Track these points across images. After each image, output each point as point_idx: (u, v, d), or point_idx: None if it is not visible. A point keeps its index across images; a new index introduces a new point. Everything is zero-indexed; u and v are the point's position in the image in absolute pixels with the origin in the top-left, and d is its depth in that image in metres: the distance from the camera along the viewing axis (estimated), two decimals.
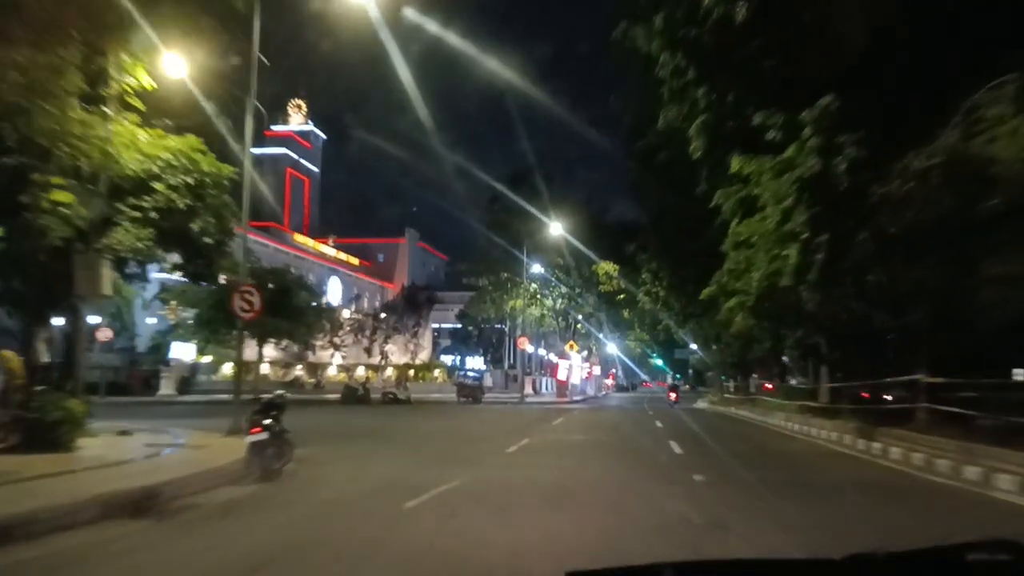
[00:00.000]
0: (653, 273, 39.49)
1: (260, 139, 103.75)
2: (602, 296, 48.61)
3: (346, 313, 49.39)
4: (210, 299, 32.02)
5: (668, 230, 31.64)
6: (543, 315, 47.25)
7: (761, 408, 28.61)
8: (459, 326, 73.12)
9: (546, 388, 55.15)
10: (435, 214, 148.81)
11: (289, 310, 32.54)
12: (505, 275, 45.81)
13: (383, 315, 47.47)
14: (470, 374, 38.35)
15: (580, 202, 44.63)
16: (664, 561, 1.87)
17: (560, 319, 50.40)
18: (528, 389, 45.38)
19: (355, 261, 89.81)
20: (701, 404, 42.64)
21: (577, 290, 47.76)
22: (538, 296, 47.75)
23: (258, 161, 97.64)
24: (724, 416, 30.85)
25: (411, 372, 44.97)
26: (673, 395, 41.69)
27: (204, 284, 33.74)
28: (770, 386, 33.52)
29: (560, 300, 48.61)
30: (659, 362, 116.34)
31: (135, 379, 34.75)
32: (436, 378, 46.36)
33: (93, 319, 37.91)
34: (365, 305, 52.46)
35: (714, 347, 41.79)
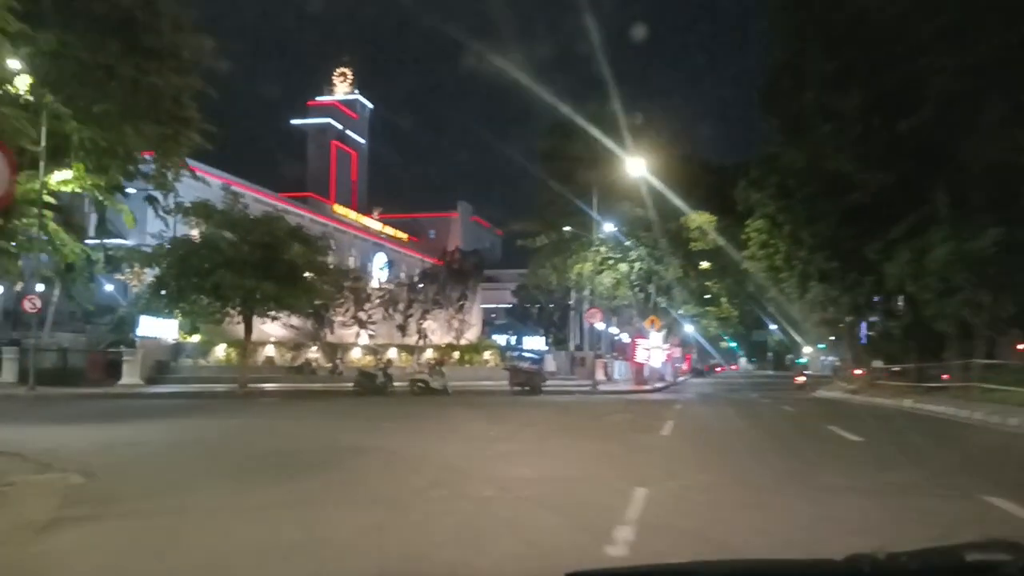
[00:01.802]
0: (770, 219, 29.82)
1: (303, 109, 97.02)
2: (691, 257, 38.97)
3: (374, 282, 40.88)
4: (169, 254, 23.77)
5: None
6: (618, 282, 37.82)
7: (985, 402, 18.87)
8: (514, 304, 64.37)
9: (618, 373, 45.92)
10: (490, 187, 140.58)
11: (280, 270, 24.09)
12: (568, 229, 36.63)
13: (420, 285, 38.71)
14: (526, 355, 29.51)
15: (669, 136, 34.90)
16: (664, 562, 2.05)
17: (637, 289, 40.93)
18: (599, 374, 36.36)
19: (403, 236, 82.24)
20: (832, 393, 32.75)
21: (658, 252, 38.20)
22: (610, 260, 38.35)
23: (301, 131, 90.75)
24: (948, 421, 19.67)
25: (454, 354, 36.15)
26: (801, 379, 32.67)
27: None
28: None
29: (638, 264, 39.08)
30: (732, 344, 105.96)
31: (95, 364, 26.92)
32: (486, 361, 37.54)
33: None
34: (403, 276, 43.75)
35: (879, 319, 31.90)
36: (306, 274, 25.79)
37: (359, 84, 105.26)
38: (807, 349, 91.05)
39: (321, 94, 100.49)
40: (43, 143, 22.53)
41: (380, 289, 38.89)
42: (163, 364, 28.63)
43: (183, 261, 23.70)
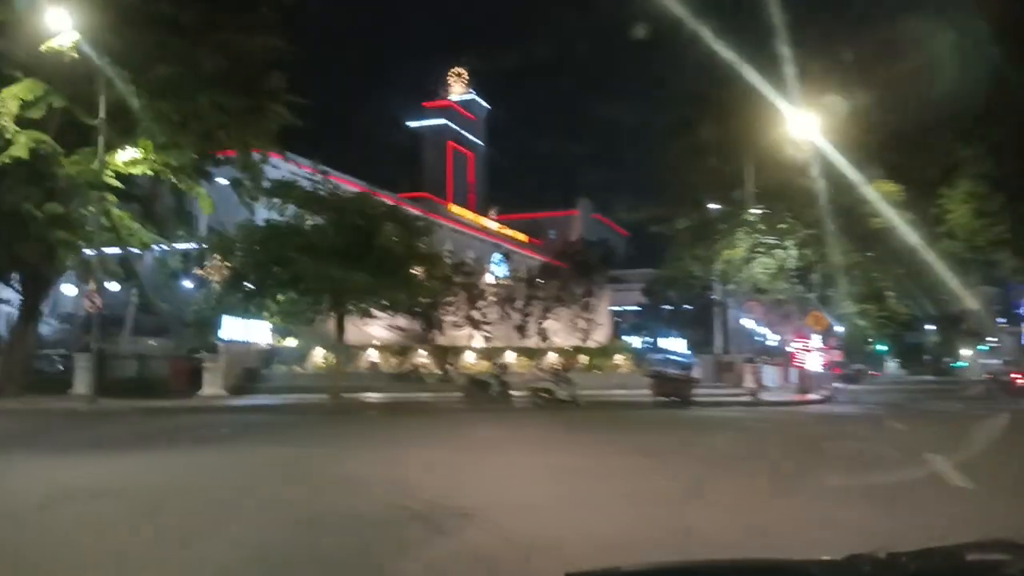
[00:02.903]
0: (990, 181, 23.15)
1: (419, 110, 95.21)
2: (866, 241, 32.21)
3: (489, 278, 36.39)
4: (247, 240, 20.03)
5: None
6: (779, 270, 31.53)
7: None
8: (643, 306, 58.53)
9: (769, 379, 39.35)
10: (613, 184, 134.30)
11: (375, 260, 19.90)
12: (716, 206, 30.79)
13: (540, 280, 33.91)
14: (672, 359, 24.19)
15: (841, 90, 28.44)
16: (663, 562, 2.02)
17: (796, 280, 34.47)
18: (750, 381, 30.51)
19: (523, 237, 78.49)
20: None
21: (825, 233, 31.65)
22: (767, 243, 32.13)
23: (417, 133, 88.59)
24: None
25: (581, 358, 31.11)
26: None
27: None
28: None
29: (798, 250, 32.63)
30: (882, 346, 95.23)
31: (178, 373, 23.65)
32: (618, 366, 32.29)
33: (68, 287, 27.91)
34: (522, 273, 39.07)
35: None
36: (411, 267, 21.56)
37: (476, 85, 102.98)
38: (965, 351, 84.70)
39: (437, 96, 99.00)
40: (101, 114, 19.34)
41: (495, 285, 34.37)
42: (252, 372, 25.15)
43: (261, 247, 19.91)
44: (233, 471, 9.43)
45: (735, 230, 31.43)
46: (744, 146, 28.42)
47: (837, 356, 48.59)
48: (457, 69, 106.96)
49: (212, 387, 22.82)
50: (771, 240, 32.48)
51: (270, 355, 26.55)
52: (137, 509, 6.86)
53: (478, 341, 31.49)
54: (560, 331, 33.55)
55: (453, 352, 29.64)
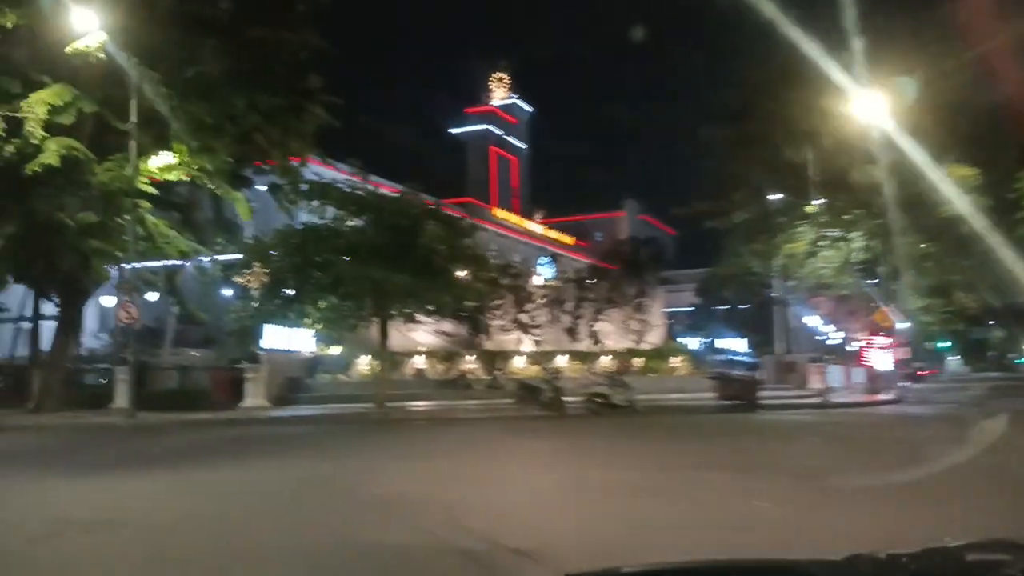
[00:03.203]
0: None
1: (460, 117, 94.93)
2: (936, 230, 30.10)
3: (536, 279, 35.10)
4: (284, 244, 19.18)
5: None
6: (843, 263, 29.62)
7: None
8: (696, 307, 56.63)
9: (836, 380, 37.25)
10: (660, 185, 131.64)
11: (417, 261, 18.86)
12: (778, 196, 29.03)
13: (591, 281, 32.56)
14: (736, 360, 22.58)
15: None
16: (663, 563, 1.93)
17: (861, 275, 32.54)
18: (816, 382, 28.82)
19: (568, 240, 77.27)
20: None
21: (893, 223, 29.68)
22: (828, 237, 30.25)
23: (459, 139, 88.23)
24: None
25: (635, 361, 29.72)
26: None
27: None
28: None
29: (864, 241, 30.67)
30: (943, 343, 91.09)
31: (219, 384, 22.89)
32: (674, 369, 30.78)
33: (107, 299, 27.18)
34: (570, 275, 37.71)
35: None
36: (455, 269, 20.49)
37: (518, 87, 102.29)
38: None
39: (479, 101, 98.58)
40: (132, 118, 18.70)
41: (544, 287, 33.09)
42: (295, 381, 24.31)
43: (298, 251, 19.02)
44: (258, 492, 8.37)
45: (796, 223, 29.68)
46: (804, 134, 26.72)
47: (905, 354, 46.23)
48: (499, 74, 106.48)
49: (254, 398, 22.02)
50: (834, 232, 30.63)
51: (313, 364, 25.71)
52: (136, 544, 5.81)
53: (527, 345, 30.25)
54: (612, 333, 32.11)
55: (501, 357, 28.45)
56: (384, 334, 20.51)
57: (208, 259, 22.39)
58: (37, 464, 11.47)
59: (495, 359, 27.90)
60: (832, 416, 20.14)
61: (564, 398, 19.69)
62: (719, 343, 41.13)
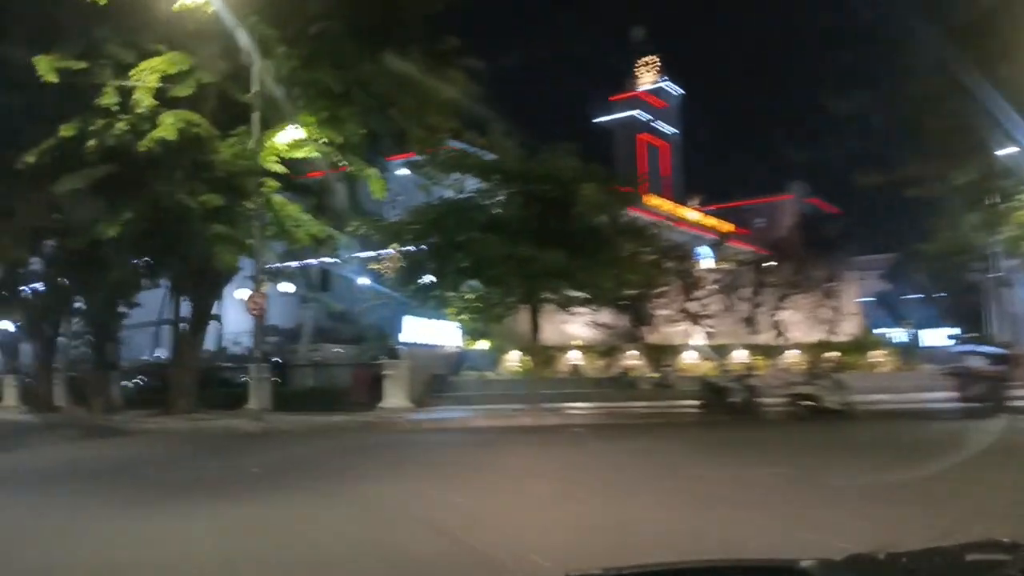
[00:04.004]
0: None
1: (605, 104, 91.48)
2: None
3: (705, 263, 30.95)
4: (420, 221, 16.60)
5: None
6: None
7: None
8: (886, 292, 49.92)
9: None
10: (829, 163, 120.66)
11: (572, 236, 15.71)
12: (1011, 151, 23.35)
13: (769, 263, 28.20)
14: (979, 351, 17.65)
15: None
16: (663, 563, 1.94)
17: None
18: None
19: (728, 227, 71.88)
20: None
21: None
22: None
23: (605, 128, 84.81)
24: None
25: (829, 355, 25.14)
26: None
27: None
28: None
29: None
30: None
31: (360, 382, 20.81)
32: (876, 364, 25.92)
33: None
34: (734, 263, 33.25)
35: None
36: (617, 245, 17.20)
37: (668, 69, 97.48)
38: None
39: (624, 88, 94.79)
40: (254, 86, 16.74)
41: (716, 270, 29.00)
42: (440, 379, 21.86)
43: (436, 229, 16.37)
44: (346, 537, 5.47)
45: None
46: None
47: None
48: (646, 58, 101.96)
49: (394, 398, 19.66)
50: None
51: (458, 360, 23.17)
52: None
53: (697, 338, 26.34)
54: (799, 324, 27.56)
55: (668, 351, 24.78)
56: (535, 325, 17.51)
57: (344, 245, 20.21)
58: (120, 481, 9.31)
59: (661, 354, 24.26)
60: None
61: (759, 400, 15.85)
62: (925, 334, 35.17)
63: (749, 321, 27.24)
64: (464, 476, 9.32)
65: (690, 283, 25.79)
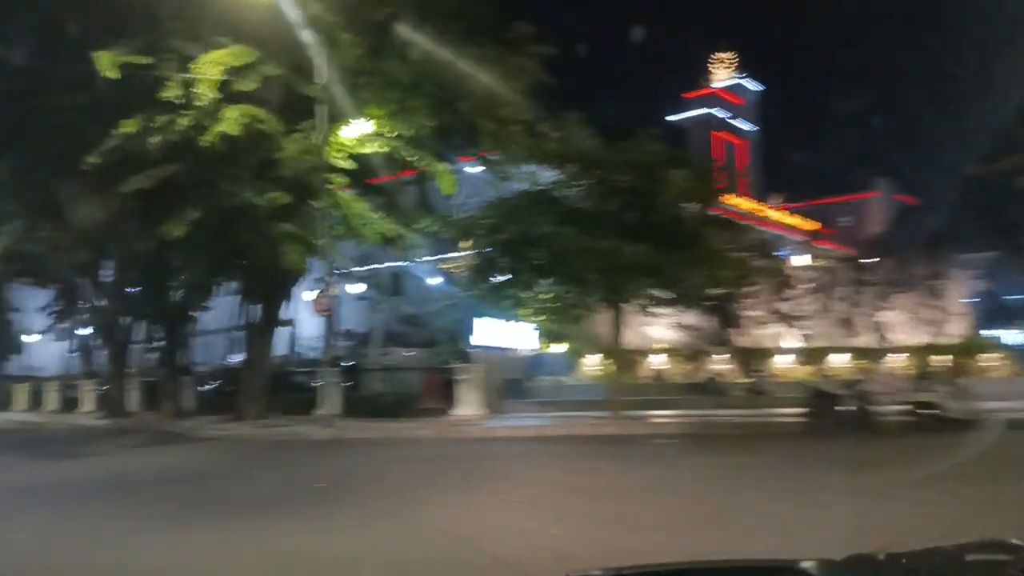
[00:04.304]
0: None
1: (678, 103, 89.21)
2: None
3: (797, 260, 28.94)
4: (489, 215, 15.53)
5: None
6: None
7: None
8: (987, 292, 46.37)
9: None
10: (916, 157, 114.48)
11: (658, 228, 14.38)
12: None
13: (872, 260, 26.14)
14: None
15: None
16: (662, 563, 1.92)
17: None
18: None
19: (812, 226, 68.71)
20: None
21: None
22: None
23: (678, 127, 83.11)
24: None
25: (937, 359, 23.03)
26: None
27: None
28: None
29: None
30: None
31: (431, 387, 19.91)
32: (991, 369, 23.61)
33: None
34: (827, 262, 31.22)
35: None
36: (708, 237, 15.78)
37: (745, 64, 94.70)
38: None
39: (698, 85, 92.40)
40: (320, 77, 15.99)
41: (810, 268, 27.04)
42: (515, 384, 20.75)
43: (508, 222, 15.27)
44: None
45: None
46: None
47: None
48: (720, 55, 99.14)
49: (468, 404, 18.62)
50: None
51: (532, 364, 22.01)
52: None
53: (790, 340, 24.53)
54: (901, 325, 25.42)
55: (758, 355, 23.05)
56: (618, 326, 16.21)
57: (414, 245, 19.27)
58: (164, 495, 8.50)
59: (752, 358, 22.56)
60: None
61: (873, 409, 14.14)
62: None
63: (847, 322, 25.30)
64: (548, 497, 8.16)
65: (782, 282, 24.01)
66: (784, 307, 23.99)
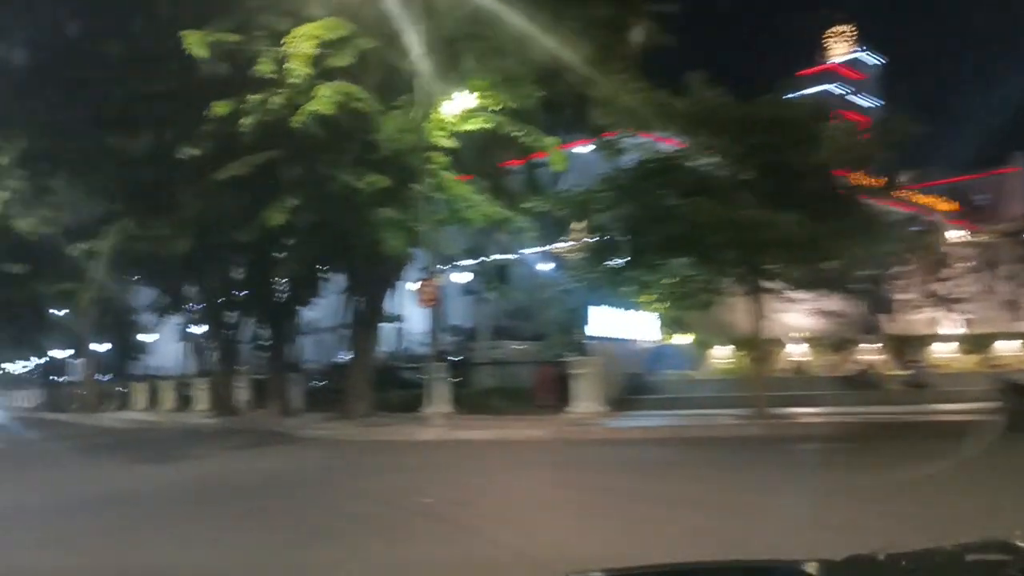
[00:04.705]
0: None
1: (792, 81, 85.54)
2: None
3: (953, 233, 25.65)
4: (608, 187, 13.83)
5: None
6: None
7: None
8: None
9: None
10: None
11: (808, 194, 12.32)
12: None
13: None
14: None
15: None
16: (662, 563, 1.94)
17: None
18: None
19: (947, 206, 63.32)
20: None
21: None
22: None
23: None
24: None
25: None
26: None
27: None
28: None
29: None
30: None
31: (544, 382, 18.44)
32: None
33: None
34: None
35: None
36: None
37: (863, 39, 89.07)
38: None
39: (813, 62, 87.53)
40: (416, 48, 14.71)
41: (968, 244, 23.91)
42: (636, 379, 18.96)
43: (628, 195, 13.52)
44: None
45: None
46: None
47: None
48: (837, 28, 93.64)
49: (585, 400, 16.98)
50: None
51: (654, 356, 20.13)
52: None
53: (948, 326, 21.59)
54: None
55: (914, 343, 20.30)
56: (757, 312, 14.18)
57: (522, 228, 17.75)
58: (240, 506, 7.32)
59: (907, 346, 19.86)
60: None
61: None
62: None
63: (1013, 304, 22.12)
64: (728, 526, 6.43)
65: (938, 260, 21.12)
66: (942, 289, 21.09)
